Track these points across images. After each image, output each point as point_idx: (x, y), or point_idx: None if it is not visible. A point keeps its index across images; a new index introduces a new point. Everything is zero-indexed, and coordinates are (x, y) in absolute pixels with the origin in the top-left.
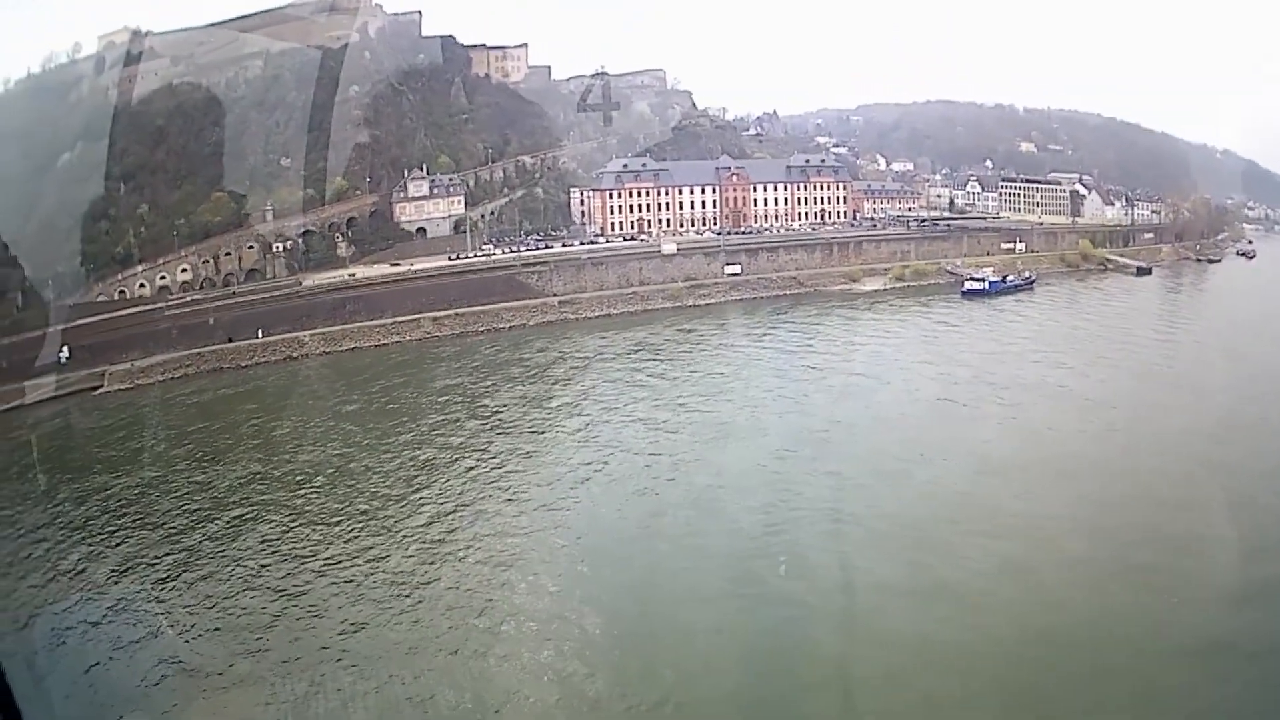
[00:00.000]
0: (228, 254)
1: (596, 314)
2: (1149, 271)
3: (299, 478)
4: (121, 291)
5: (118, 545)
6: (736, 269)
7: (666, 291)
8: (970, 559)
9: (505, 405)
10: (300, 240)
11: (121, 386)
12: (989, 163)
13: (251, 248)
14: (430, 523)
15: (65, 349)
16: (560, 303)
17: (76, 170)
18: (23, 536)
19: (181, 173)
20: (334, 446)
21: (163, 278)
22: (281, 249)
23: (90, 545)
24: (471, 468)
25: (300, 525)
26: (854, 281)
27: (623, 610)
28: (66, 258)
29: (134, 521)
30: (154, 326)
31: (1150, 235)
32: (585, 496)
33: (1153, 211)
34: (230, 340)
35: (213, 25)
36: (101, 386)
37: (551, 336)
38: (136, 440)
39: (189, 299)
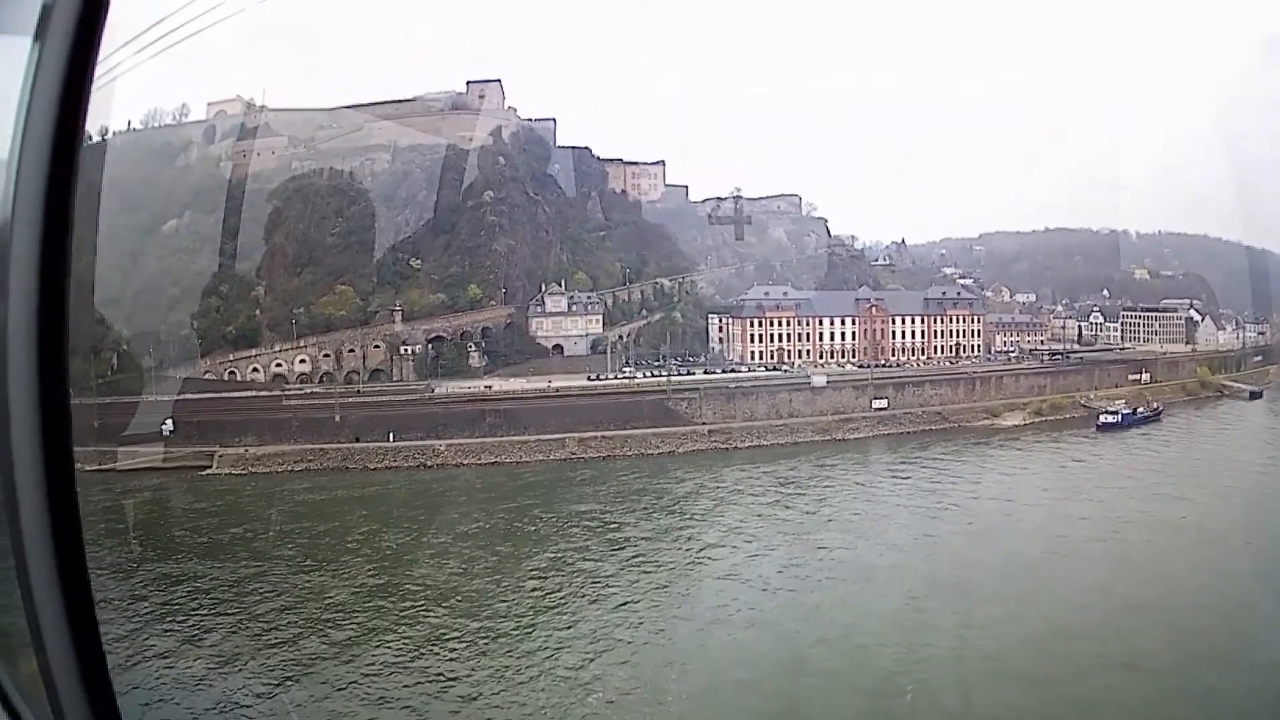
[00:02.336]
0: (351, 350)
1: (746, 444)
2: (1260, 395)
3: (414, 593)
4: (232, 372)
5: (208, 639)
6: (883, 403)
7: (816, 425)
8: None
9: (638, 537)
10: (429, 345)
11: (232, 470)
12: (1105, 292)
13: (378, 347)
14: (552, 654)
15: (169, 421)
16: (710, 431)
17: (184, 239)
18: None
19: (301, 260)
20: (452, 565)
21: (279, 365)
22: (410, 352)
23: (178, 633)
24: (597, 600)
25: (411, 645)
26: (995, 417)
27: None
28: (170, 327)
29: (229, 616)
30: (272, 414)
31: (1259, 358)
32: (717, 634)
33: (1259, 333)
34: (358, 440)
35: (335, 109)
36: (210, 467)
37: (695, 465)
38: (237, 529)
39: (309, 391)
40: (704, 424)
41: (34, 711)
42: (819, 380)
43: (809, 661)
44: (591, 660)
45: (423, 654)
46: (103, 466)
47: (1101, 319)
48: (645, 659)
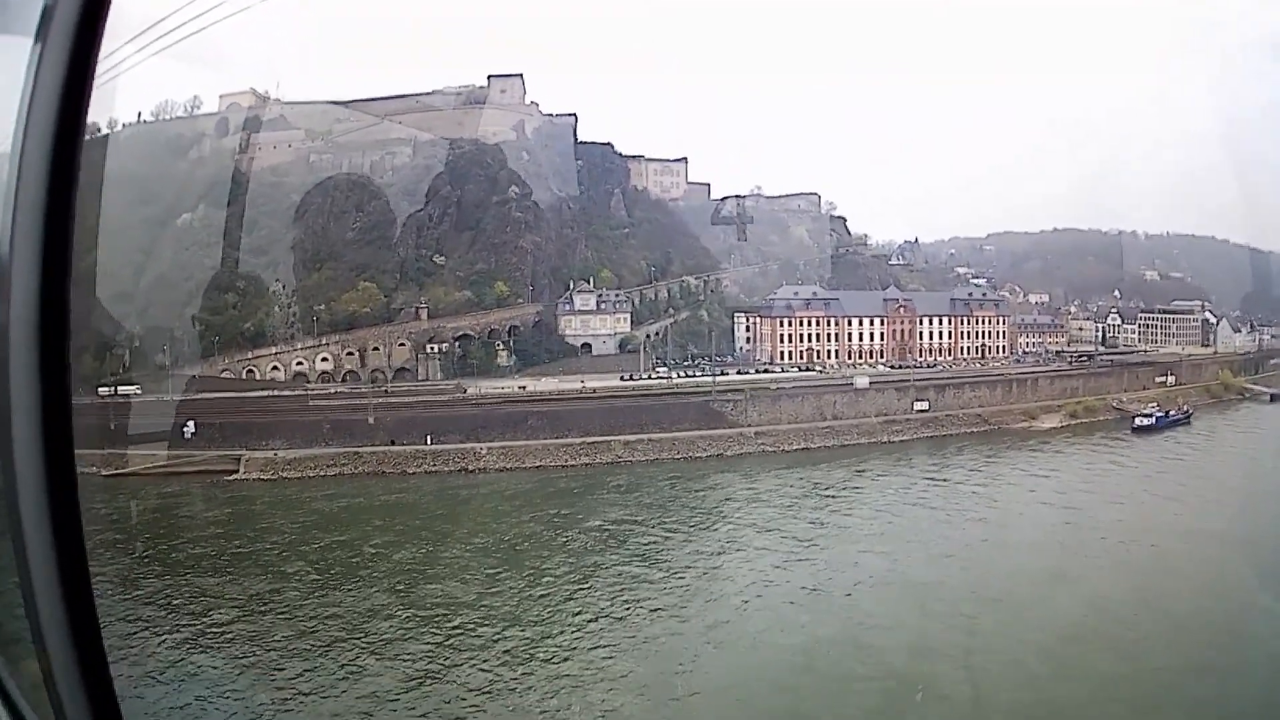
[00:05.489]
0: (376, 348)
1: (794, 447)
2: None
3: (442, 614)
4: (250, 371)
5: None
6: (924, 405)
7: (861, 427)
8: None
9: (671, 554)
10: (456, 344)
11: (261, 476)
12: (1117, 292)
13: (403, 345)
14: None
15: (191, 424)
16: (756, 433)
17: (198, 233)
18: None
19: (321, 255)
20: (476, 584)
21: (300, 364)
22: (436, 350)
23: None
24: (622, 622)
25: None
26: (1032, 419)
27: None
28: (185, 324)
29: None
30: (299, 415)
31: (1276, 360)
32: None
33: (1272, 336)
34: (393, 443)
35: (352, 102)
36: (236, 472)
37: (739, 470)
38: (255, 541)
39: (334, 390)
40: (750, 426)
41: (37, 713)
42: (862, 382)
43: None
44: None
45: None
46: (119, 471)
47: (1119, 320)
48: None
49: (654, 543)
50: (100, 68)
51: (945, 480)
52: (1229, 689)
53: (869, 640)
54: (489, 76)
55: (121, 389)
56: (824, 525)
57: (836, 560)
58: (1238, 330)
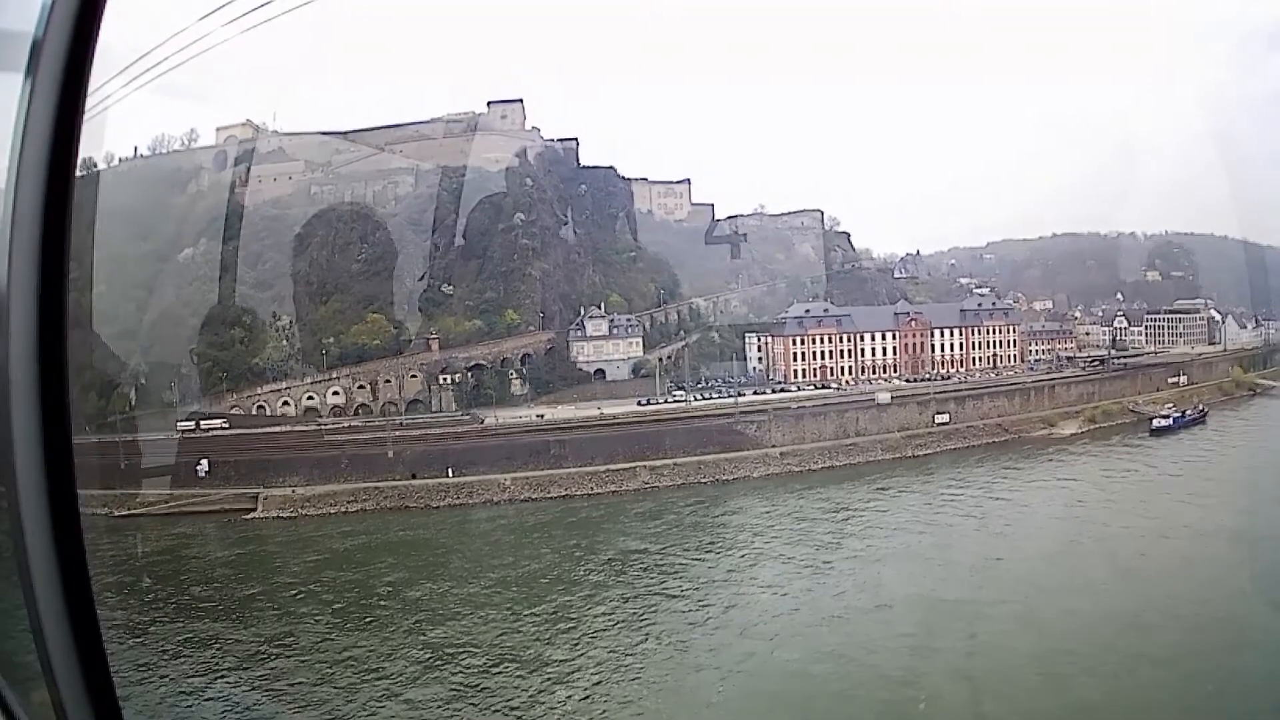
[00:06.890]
0: (387, 380)
1: (819, 466)
2: None
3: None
4: (260, 407)
5: None
6: (945, 417)
7: (885, 442)
8: None
9: (691, 584)
10: (469, 374)
11: (280, 514)
12: (1120, 295)
13: (414, 376)
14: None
15: (205, 461)
16: (782, 454)
17: (200, 268)
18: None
19: (327, 287)
20: (497, 622)
21: (310, 398)
22: (449, 381)
23: None
24: (654, 669)
25: None
26: (1052, 426)
27: None
28: (190, 360)
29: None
30: (316, 451)
31: None
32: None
33: (1277, 330)
34: (414, 476)
35: (352, 132)
36: (254, 510)
37: (765, 491)
38: (269, 580)
39: (348, 424)
40: (775, 446)
41: None
42: (884, 397)
43: None
44: None
45: None
46: (133, 511)
47: (1126, 323)
48: None
49: (693, 570)
50: (90, 101)
51: (970, 490)
52: None
53: (894, 657)
54: (489, 103)
55: (204, 423)
56: (864, 539)
57: (877, 576)
58: (1244, 326)
